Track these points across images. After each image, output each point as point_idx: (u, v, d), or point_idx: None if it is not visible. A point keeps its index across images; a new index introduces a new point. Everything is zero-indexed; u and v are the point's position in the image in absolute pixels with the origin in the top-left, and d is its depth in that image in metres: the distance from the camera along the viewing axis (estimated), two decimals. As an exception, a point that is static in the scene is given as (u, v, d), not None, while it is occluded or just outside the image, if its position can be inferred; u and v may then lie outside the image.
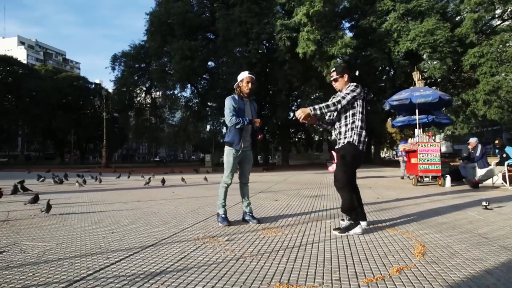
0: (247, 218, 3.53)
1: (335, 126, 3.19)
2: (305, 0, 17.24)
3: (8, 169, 21.22)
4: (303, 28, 17.79)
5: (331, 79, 3.27)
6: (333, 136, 3.27)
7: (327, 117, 3.33)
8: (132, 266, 2.11)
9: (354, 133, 3.01)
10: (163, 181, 8.72)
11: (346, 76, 3.17)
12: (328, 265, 2.12)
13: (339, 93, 3.17)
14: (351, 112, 3.06)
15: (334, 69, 3.29)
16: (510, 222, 3.42)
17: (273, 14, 19.83)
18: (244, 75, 3.44)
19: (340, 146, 3.11)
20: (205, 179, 9.75)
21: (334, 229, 3.02)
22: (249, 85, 3.41)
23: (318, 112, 2.97)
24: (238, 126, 3.35)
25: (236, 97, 3.45)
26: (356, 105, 3.04)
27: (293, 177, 11.58)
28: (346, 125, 3.07)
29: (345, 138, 3.06)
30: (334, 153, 9.83)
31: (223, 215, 3.43)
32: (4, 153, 52.22)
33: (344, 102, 2.98)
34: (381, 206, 4.63)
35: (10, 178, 10.47)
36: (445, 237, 2.80)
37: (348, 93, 3.00)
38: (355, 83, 3.10)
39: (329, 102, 2.99)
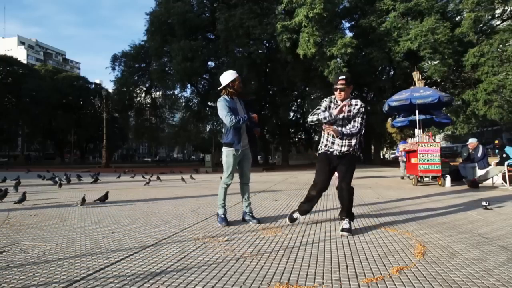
0: (247, 218, 3.53)
1: (337, 139, 3.19)
2: (306, 1, 17.23)
3: (7, 169, 21.21)
4: (304, 29, 17.79)
5: (339, 87, 3.10)
6: (336, 146, 3.22)
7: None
8: (132, 266, 2.11)
9: (359, 146, 3.20)
10: (158, 178, 9.91)
11: (351, 87, 3.19)
12: (328, 265, 2.13)
13: (345, 131, 3.12)
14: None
15: (343, 77, 3.12)
16: (510, 222, 3.42)
17: (274, 16, 19.83)
18: (235, 75, 3.49)
19: (347, 153, 3.16)
20: (191, 177, 10.02)
21: (342, 231, 2.97)
22: (239, 83, 3.49)
23: (346, 138, 3.11)
24: (239, 124, 3.36)
25: (227, 97, 3.48)
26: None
27: (293, 177, 11.58)
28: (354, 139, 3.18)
29: (350, 147, 3.16)
30: None
31: (222, 216, 3.43)
32: (4, 153, 52.21)
33: (362, 130, 3.14)
34: (381, 206, 4.63)
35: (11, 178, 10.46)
36: (445, 237, 2.80)
37: (362, 120, 3.13)
38: (361, 103, 3.16)
39: (357, 130, 3.09)
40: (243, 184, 3.59)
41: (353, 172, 3.22)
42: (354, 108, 3.13)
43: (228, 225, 3.35)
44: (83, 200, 4.83)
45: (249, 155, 3.58)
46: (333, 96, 3.23)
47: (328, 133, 3.21)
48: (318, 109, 3.22)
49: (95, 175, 10.50)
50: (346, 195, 3.14)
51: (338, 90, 3.12)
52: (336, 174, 3.40)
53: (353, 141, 3.16)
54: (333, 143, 3.19)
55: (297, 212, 3.40)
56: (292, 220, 3.42)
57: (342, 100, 3.15)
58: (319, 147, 3.34)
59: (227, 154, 3.43)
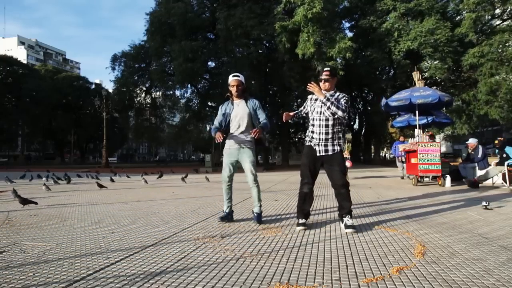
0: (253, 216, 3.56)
1: (320, 131, 3.21)
2: (305, 1, 17.20)
3: (6, 169, 21.21)
4: (303, 29, 17.78)
5: (323, 78, 3.24)
6: (314, 140, 3.26)
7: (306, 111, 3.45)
8: (132, 266, 2.11)
9: (342, 142, 3.24)
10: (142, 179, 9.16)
11: (335, 79, 3.30)
12: (328, 265, 2.12)
13: (329, 96, 3.18)
14: (340, 121, 3.22)
15: (328, 68, 3.30)
16: (510, 222, 3.42)
17: (273, 16, 19.82)
18: (230, 78, 3.54)
19: (334, 152, 3.22)
20: (183, 179, 9.21)
21: (348, 228, 3.01)
22: (234, 88, 3.48)
23: (328, 103, 3.11)
24: (212, 133, 3.51)
25: (226, 102, 3.58)
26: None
27: (293, 177, 11.57)
28: (338, 132, 3.23)
29: (339, 145, 3.23)
30: None
31: (224, 212, 3.52)
32: (4, 153, 52.21)
33: (346, 116, 3.22)
34: (381, 206, 4.63)
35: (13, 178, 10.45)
36: (445, 237, 2.80)
37: (347, 107, 3.18)
38: (347, 95, 3.25)
39: (343, 106, 3.12)
40: (250, 187, 3.49)
41: (343, 170, 3.23)
42: (339, 95, 3.23)
43: (222, 221, 3.43)
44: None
45: (247, 154, 3.45)
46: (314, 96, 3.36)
47: (312, 125, 3.27)
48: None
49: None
50: (345, 193, 3.17)
51: (322, 80, 3.24)
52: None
53: (336, 139, 3.20)
54: (312, 133, 3.26)
55: (300, 218, 3.25)
56: (301, 225, 3.18)
57: (327, 91, 3.25)
58: (306, 137, 3.41)
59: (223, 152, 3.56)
